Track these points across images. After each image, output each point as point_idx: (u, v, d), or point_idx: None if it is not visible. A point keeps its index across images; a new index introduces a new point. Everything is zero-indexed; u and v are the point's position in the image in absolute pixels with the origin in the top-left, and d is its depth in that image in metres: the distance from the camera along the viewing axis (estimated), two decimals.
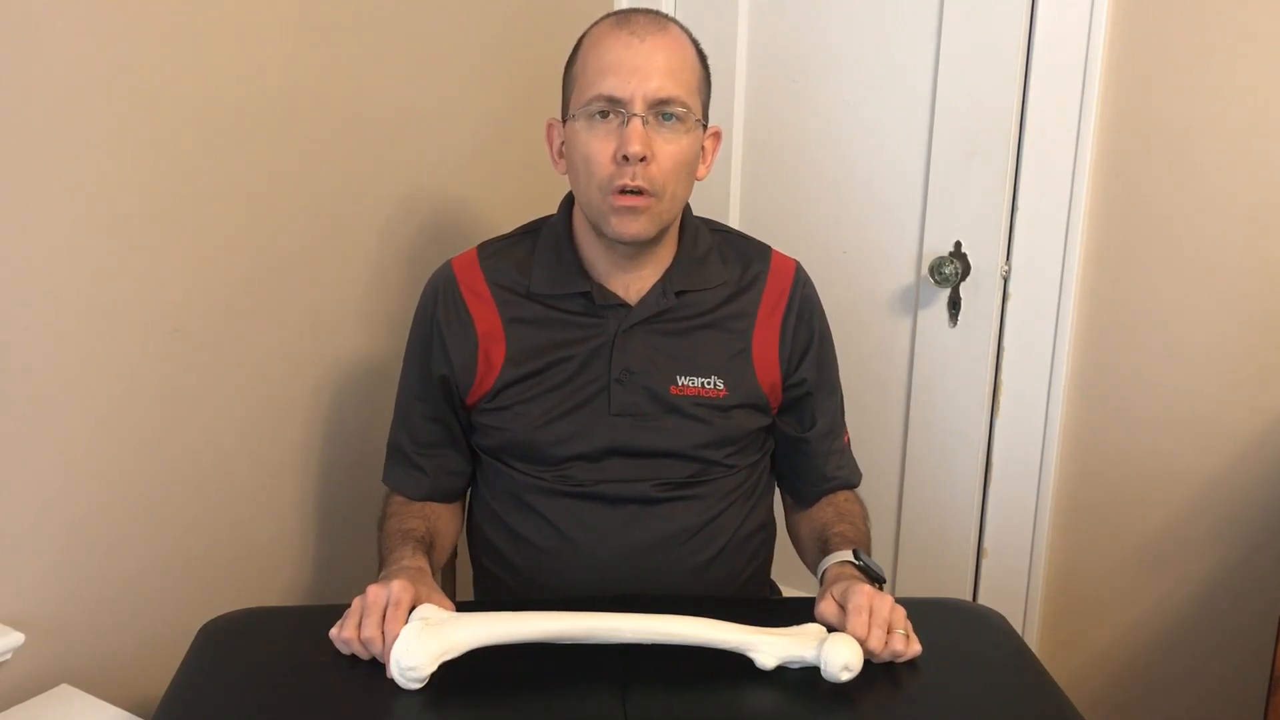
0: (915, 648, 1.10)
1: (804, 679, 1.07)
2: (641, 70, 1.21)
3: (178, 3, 1.35)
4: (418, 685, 1.03)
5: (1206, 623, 1.76)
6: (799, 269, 1.41)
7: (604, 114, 1.22)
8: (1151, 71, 1.67)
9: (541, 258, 1.34)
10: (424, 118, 1.73)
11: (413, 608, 1.09)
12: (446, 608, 1.11)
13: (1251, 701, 1.72)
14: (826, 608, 1.14)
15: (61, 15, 1.23)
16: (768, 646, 1.07)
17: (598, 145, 1.22)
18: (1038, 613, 1.91)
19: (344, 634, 1.08)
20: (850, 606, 1.10)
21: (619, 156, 1.20)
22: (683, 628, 1.08)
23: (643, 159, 1.20)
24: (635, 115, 1.20)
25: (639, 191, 1.21)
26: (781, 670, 1.08)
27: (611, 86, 1.21)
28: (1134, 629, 1.83)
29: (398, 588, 1.08)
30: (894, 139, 1.92)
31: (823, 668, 1.06)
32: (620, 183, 1.21)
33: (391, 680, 1.03)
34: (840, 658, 1.05)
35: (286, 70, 1.50)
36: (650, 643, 1.08)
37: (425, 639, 1.03)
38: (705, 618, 1.09)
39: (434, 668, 1.03)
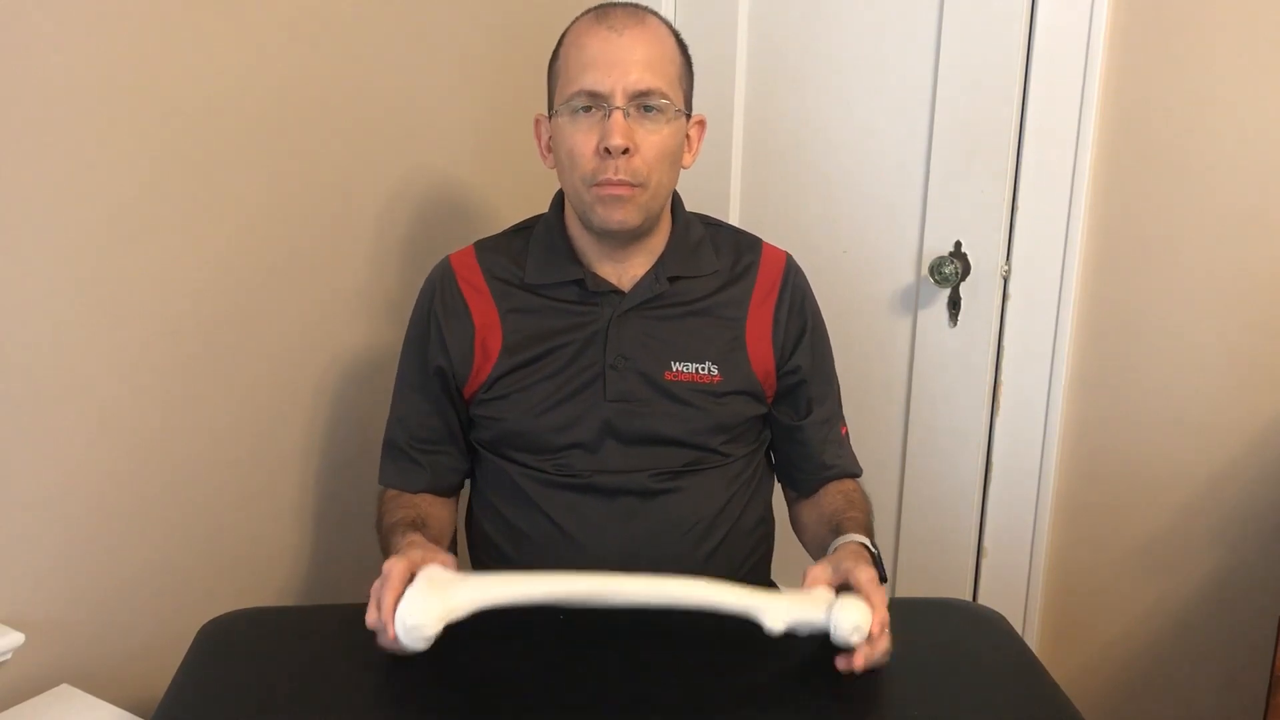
0: (884, 645, 1.08)
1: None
2: (621, 64, 1.22)
3: (176, 1, 1.35)
4: (424, 645, 1.01)
5: (1206, 623, 1.76)
6: (790, 259, 1.42)
7: (586, 108, 1.24)
8: (1151, 72, 1.67)
9: (535, 250, 1.36)
10: (422, 114, 1.74)
11: (414, 575, 1.07)
12: (448, 564, 1.10)
13: (1251, 701, 1.72)
14: (820, 571, 1.11)
15: (60, 15, 1.24)
16: (776, 609, 1.05)
17: (581, 139, 1.24)
18: (1038, 613, 1.91)
19: (369, 620, 1.06)
20: (864, 579, 1.08)
21: (601, 149, 1.22)
22: (690, 590, 1.06)
23: (625, 151, 1.22)
24: (616, 108, 1.22)
25: (623, 183, 1.23)
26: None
27: (592, 81, 1.23)
28: (1134, 629, 1.83)
29: (388, 564, 1.08)
30: (894, 139, 1.92)
31: (833, 630, 1.04)
32: (604, 176, 1.23)
33: (391, 680, 1.03)
34: (851, 619, 1.03)
35: (284, 67, 1.50)
36: (657, 605, 1.06)
37: (430, 597, 1.02)
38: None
39: (439, 628, 1.01)
